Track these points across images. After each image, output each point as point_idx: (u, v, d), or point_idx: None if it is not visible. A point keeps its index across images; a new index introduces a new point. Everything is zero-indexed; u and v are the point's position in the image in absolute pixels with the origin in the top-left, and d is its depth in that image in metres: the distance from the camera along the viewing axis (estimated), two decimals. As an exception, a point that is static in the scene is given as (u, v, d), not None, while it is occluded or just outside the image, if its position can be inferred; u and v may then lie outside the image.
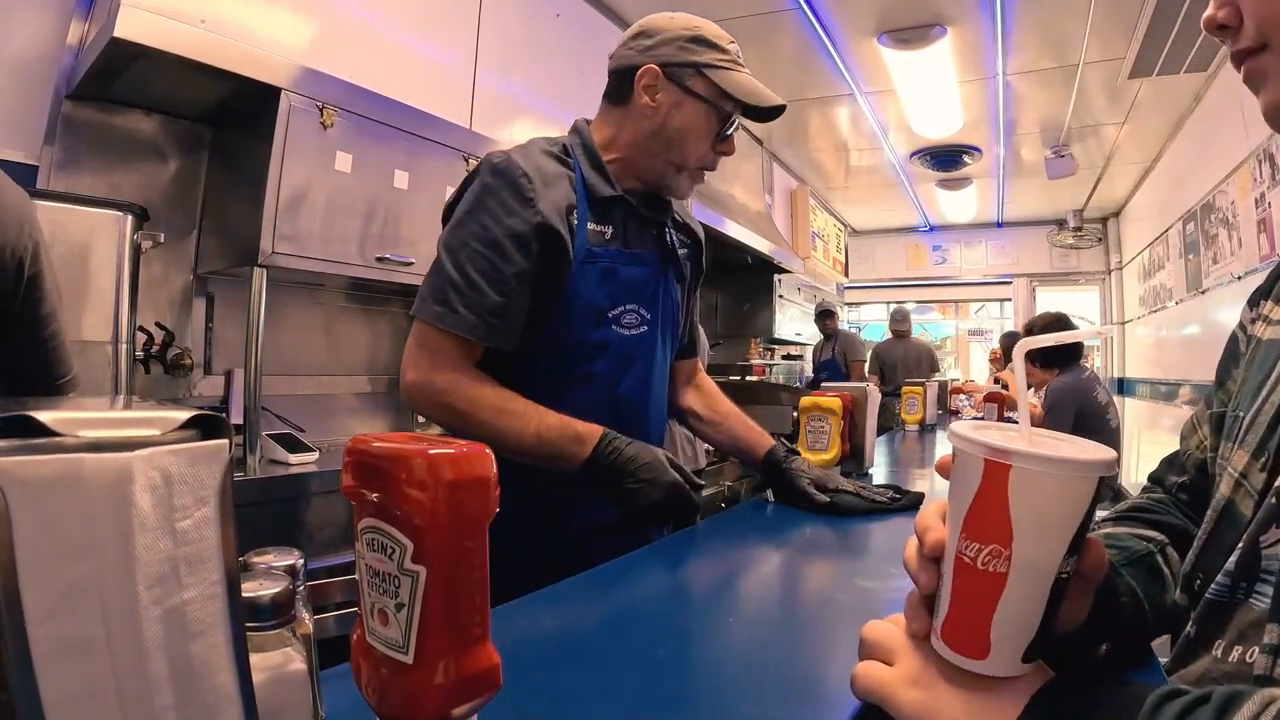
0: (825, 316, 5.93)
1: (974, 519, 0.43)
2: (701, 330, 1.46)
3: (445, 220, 1.14)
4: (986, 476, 0.42)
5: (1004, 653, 0.43)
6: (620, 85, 1.18)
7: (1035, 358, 3.63)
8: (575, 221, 1.12)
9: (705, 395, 1.43)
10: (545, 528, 1.12)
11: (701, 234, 1.37)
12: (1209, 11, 0.52)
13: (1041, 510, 0.41)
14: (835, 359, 5.84)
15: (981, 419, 3.15)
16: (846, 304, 8.19)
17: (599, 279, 1.14)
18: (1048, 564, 0.42)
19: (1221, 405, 0.63)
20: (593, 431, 1.06)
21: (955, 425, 0.45)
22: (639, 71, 1.14)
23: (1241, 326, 0.65)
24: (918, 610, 0.48)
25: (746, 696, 0.60)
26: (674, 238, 1.27)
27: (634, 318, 1.18)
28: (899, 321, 6.10)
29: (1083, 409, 3.36)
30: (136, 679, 0.29)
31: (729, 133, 1.19)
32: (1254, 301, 0.64)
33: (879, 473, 1.78)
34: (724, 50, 1.17)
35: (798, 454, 1.38)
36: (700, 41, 1.16)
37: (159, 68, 1.68)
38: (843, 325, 6.50)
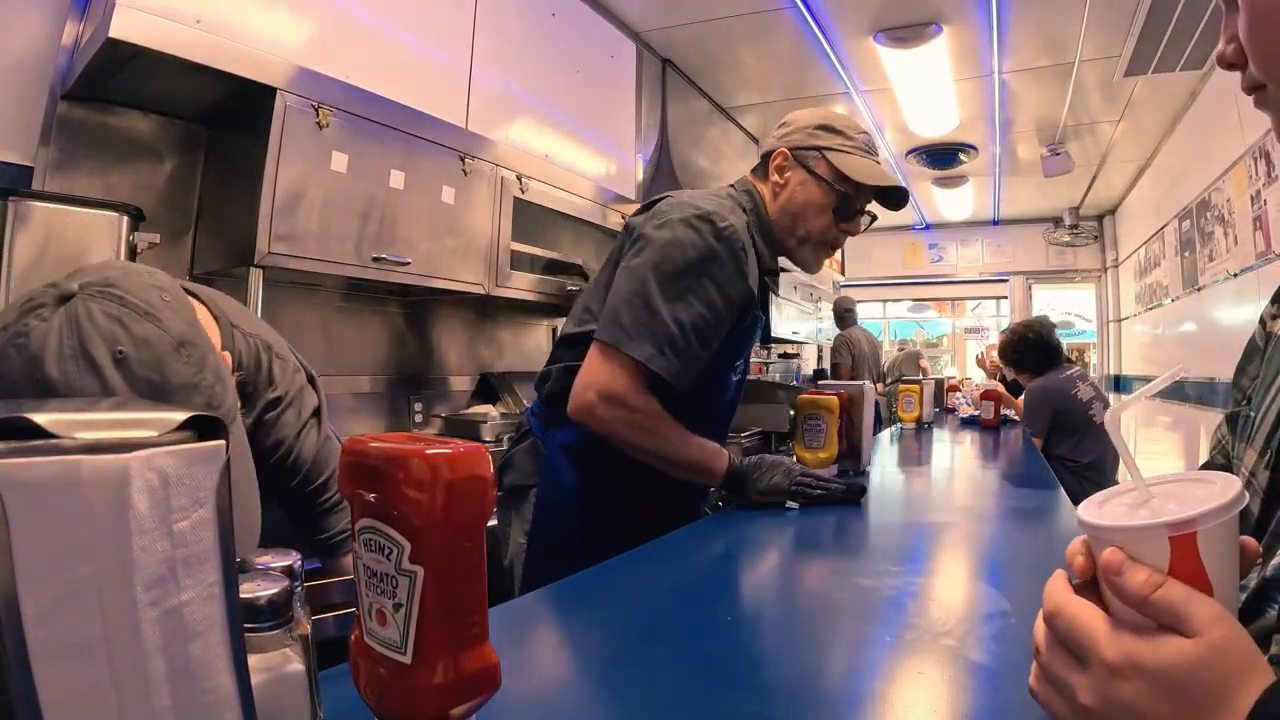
0: (843, 314, 5.96)
1: None
2: None
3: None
4: (1176, 553, 0.40)
5: None
6: (764, 165, 1.37)
7: (1020, 364, 3.67)
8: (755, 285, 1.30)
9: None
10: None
11: None
12: (1219, 48, 0.54)
13: (1229, 553, 0.41)
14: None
15: (978, 415, 3.16)
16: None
17: (745, 335, 1.34)
18: (1237, 592, 0.42)
19: (1237, 405, 0.63)
20: (722, 451, 1.28)
21: (1086, 515, 0.43)
22: (774, 154, 1.35)
23: (1261, 323, 0.65)
24: None
25: (746, 696, 0.60)
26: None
27: (742, 365, 1.41)
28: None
29: (1060, 409, 3.41)
30: (135, 680, 0.29)
31: (853, 214, 1.35)
32: (1276, 298, 0.64)
33: (877, 471, 1.78)
34: (849, 137, 1.33)
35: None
36: (826, 129, 1.33)
37: (154, 68, 1.67)
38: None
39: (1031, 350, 3.60)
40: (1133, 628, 0.39)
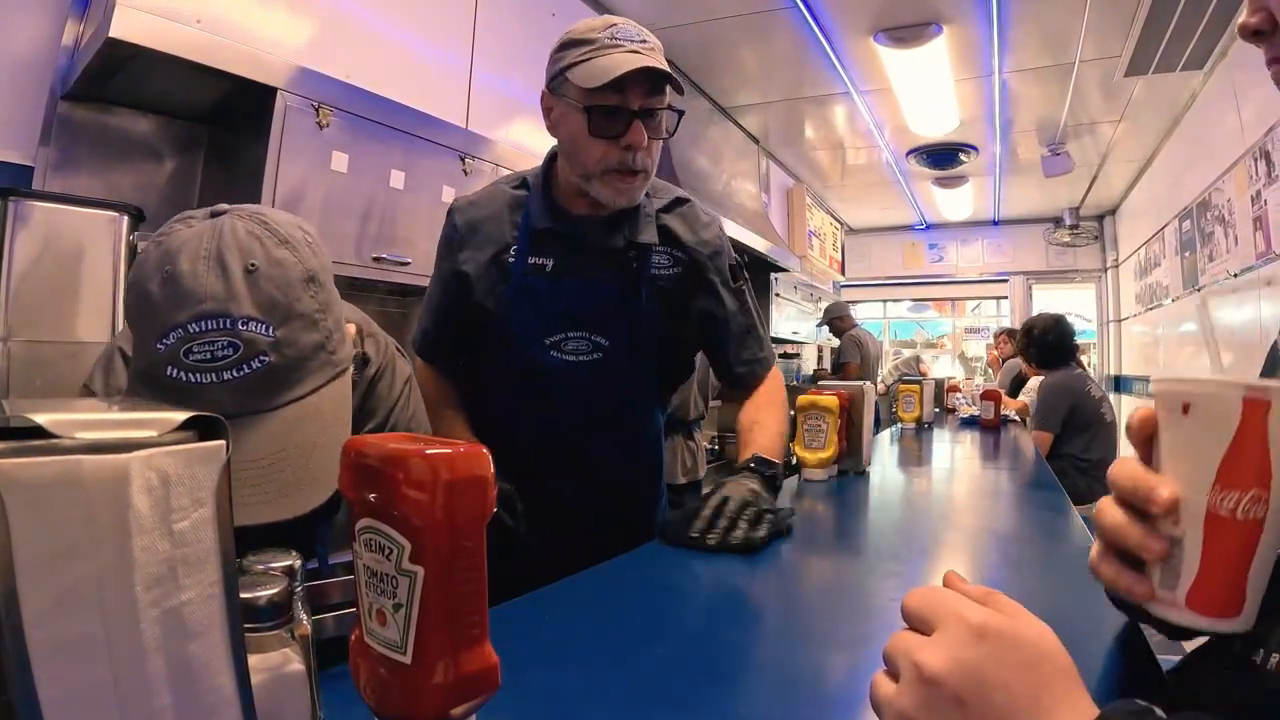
0: (837, 320, 5.96)
1: (1231, 466, 0.40)
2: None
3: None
4: (1246, 418, 0.40)
5: (1252, 606, 0.41)
6: None
7: (1033, 358, 3.67)
8: (513, 258, 1.21)
9: (740, 414, 1.33)
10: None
11: (708, 249, 1.27)
12: (1243, 18, 0.54)
13: None
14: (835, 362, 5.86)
15: (978, 415, 3.16)
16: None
17: (531, 309, 1.20)
18: None
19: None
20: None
21: (1162, 377, 0.44)
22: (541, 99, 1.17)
23: None
24: (1134, 577, 0.45)
25: (746, 696, 0.61)
26: (654, 259, 1.23)
27: (582, 344, 1.21)
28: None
29: (1075, 405, 3.41)
30: (135, 680, 0.29)
31: (618, 123, 1.08)
32: None
33: (877, 471, 1.78)
34: (590, 41, 1.08)
35: (759, 470, 1.17)
36: (567, 45, 1.11)
37: (155, 68, 1.67)
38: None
39: (1043, 345, 3.57)
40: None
